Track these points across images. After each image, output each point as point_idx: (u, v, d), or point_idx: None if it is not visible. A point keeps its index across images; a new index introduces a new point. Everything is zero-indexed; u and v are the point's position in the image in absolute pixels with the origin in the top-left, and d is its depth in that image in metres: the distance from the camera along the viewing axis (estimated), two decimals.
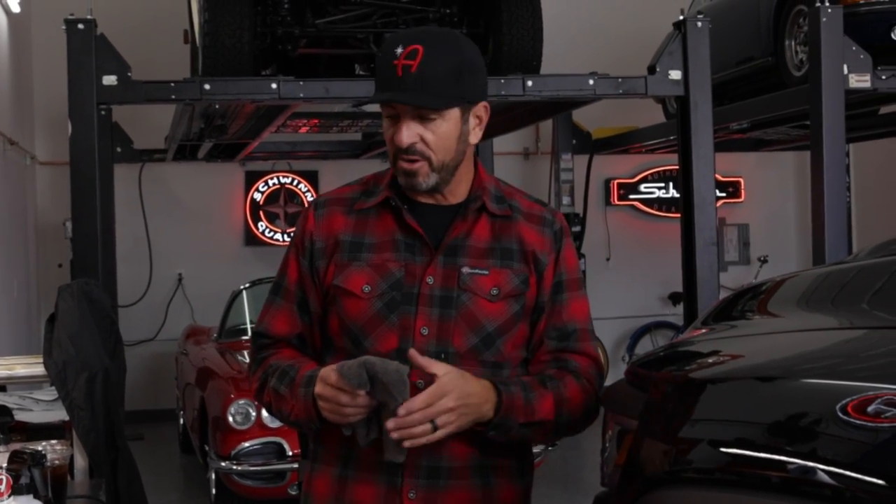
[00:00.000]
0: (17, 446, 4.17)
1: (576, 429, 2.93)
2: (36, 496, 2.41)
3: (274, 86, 7.56)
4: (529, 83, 7.73)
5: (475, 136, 2.90)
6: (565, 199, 12.97)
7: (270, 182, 14.27)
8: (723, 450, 2.19)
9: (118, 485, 3.82)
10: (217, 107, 8.68)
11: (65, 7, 7.76)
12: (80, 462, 3.73)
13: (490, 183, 2.97)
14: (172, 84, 7.56)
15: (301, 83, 7.58)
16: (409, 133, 2.77)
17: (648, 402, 2.49)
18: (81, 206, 7.53)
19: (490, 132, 11.29)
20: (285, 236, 13.89)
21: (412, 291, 2.84)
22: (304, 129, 11.11)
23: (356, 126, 10.35)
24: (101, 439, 3.74)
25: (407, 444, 2.64)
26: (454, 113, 2.81)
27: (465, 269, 2.85)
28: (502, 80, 7.76)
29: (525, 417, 2.79)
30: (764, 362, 2.44)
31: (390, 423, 2.61)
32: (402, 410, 2.60)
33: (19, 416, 4.48)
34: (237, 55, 8.00)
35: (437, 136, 2.79)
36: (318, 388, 2.72)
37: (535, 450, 8.35)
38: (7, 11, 11.00)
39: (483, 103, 2.89)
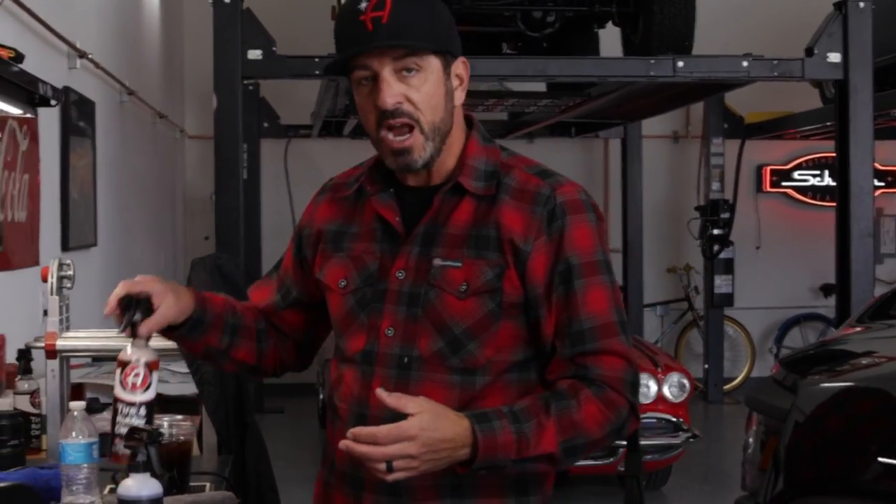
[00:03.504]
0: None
1: (601, 447, 2.51)
2: (153, 475, 2.33)
3: None
4: (680, 64, 7.52)
5: (459, 97, 2.54)
6: (715, 185, 12.68)
7: None
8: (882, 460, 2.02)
9: (246, 461, 3.76)
10: None
11: None
12: (210, 438, 3.66)
13: (478, 157, 2.56)
14: (317, 59, 7.50)
15: None
16: (392, 92, 2.42)
17: (803, 407, 2.29)
18: (225, 180, 7.55)
19: (638, 114, 11.09)
20: None
21: (382, 287, 2.54)
22: None
23: (501, 105, 10.23)
24: (231, 415, 3.68)
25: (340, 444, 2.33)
26: (436, 65, 2.47)
27: (437, 262, 2.50)
28: (652, 61, 7.57)
29: (519, 454, 2.35)
30: None
31: (341, 443, 2.30)
32: (349, 435, 2.28)
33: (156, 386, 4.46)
34: None
35: (423, 92, 2.44)
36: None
37: (675, 440, 8.20)
38: None
39: (462, 59, 2.54)
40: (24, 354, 3.77)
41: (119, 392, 2.50)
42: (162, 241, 11.12)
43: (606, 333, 2.48)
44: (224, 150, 7.55)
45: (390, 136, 2.46)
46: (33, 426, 3.63)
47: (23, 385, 3.69)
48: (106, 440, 2.64)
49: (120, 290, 2.50)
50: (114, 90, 8.15)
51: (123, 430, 2.45)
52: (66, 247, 6.27)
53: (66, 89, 6.23)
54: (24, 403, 3.66)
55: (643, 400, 8.01)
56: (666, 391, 8.19)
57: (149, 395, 2.52)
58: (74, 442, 2.71)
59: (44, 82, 3.18)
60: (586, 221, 2.52)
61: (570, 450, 2.41)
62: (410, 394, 2.39)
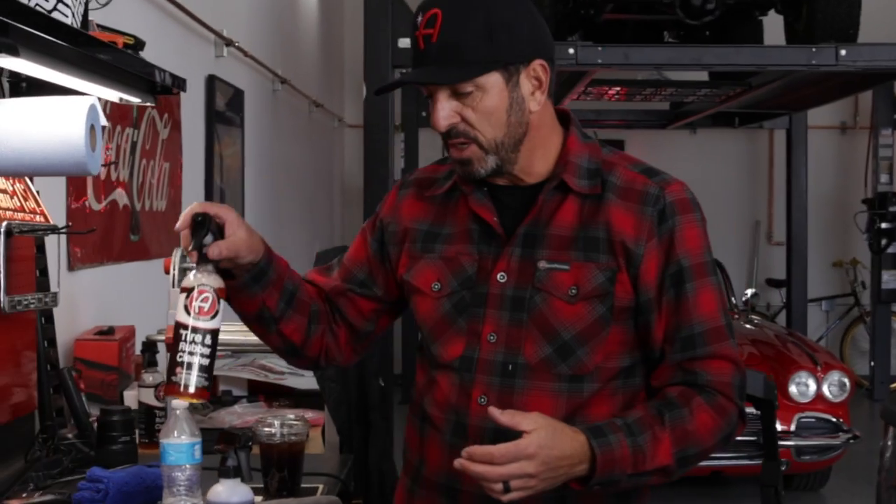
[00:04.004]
0: (284, 410, 4.10)
1: (707, 457, 2.38)
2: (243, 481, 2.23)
3: (571, 51, 7.32)
4: (843, 52, 7.22)
5: (536, 102, 2.35)
6: (883, 178, 12.23)
7: None
8: None
9: (369, 461, 3.67)
10: None
11: None
12: (332, 436, 3.58)
13: (580, 154, 2.41)
14: None
15: (600, 49, 7.31)
16: (445, 114, 2.30)
17: None
18: (374, 168, 7.51)
19: (803, 104, 10.75)
20: None
21: (482, 290, 2.39)
22: (610, 96, 10.81)
23: (660, 94, 10.01)
24: (353, 413, 3.58)
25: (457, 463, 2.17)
26: (495, 80, 2.29)
27: (543, 264, 2.36)
28: (813, 49, 7.29)
29: (634, 469, 2.25)
30: None
31: (456, 462, 2.15)
32: (464, 454, 2.14)
33: (290, 380, 4.40)
34: None
35: (480, 111, 2.29)
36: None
37: (834, 441, 7.92)
38: None
39: (538, 61, 2.33)
40: (149, 347, 3.72)
41: (183, 317, 2.27)
42: (316, 231, 11.14)
43: (717, 338, 2.37)
44: (373, 139, 7.50)
45: (452, 148, 2.36)
46: (157, 420, 3.59)
47: (147, 378, 3.65)
48: (209, 435, 2.56)
49: (196, 208, 2.33)
50: (266, 79, 8.16)
51: (186, 360, 2.25)
52: None
53: (212, 78, 6.23)
54: (148, 397, 3.62)
55: (802, 399, 7.80)
56: (825, 390, 7.92)
57: (216, 323, 2.28)
58: (176, 442, 2.63)
59: (161, 70, 3.10)
60: (695, 221, 2.40)
61: (683, 460, 2.30)
62: (515, 402, 2.30)
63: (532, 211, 2.39)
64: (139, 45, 3.14)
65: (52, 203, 3.77)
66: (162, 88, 3.26)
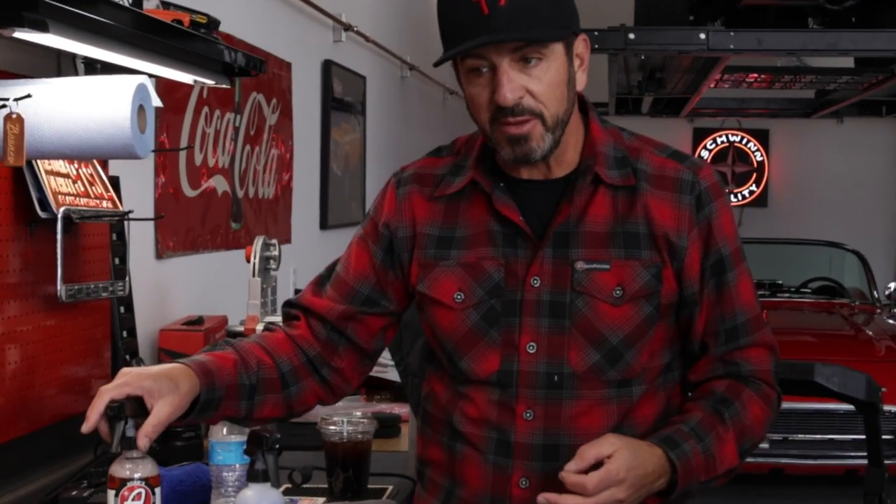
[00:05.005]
0: (381, 406, 3.97)
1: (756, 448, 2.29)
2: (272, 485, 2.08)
3: (703, 36, 7.07)
4: None
5: (581, 81, 2.17)
6: None
7: (719, 140, 13.90)
8: None
9: None
10: (643, 57, 8.30)
11: None
12: (414, 433, 3.42)
13: (606, 142, 2.21)
14: (596, 33, 7.18)
15: (732, 34, 7.06)
16: (513, 87, 2.06)
17: None
18: None
19: None
20: (738, 196, 13.44)
21: (515, 298, 2.18)
22: (753, 83, 10.50)
23: (800, 82, 9.68)
24: None
25: None
26: (559, 50, 2.09)
27: (580, 265, 2.16)
28: None
29: (707, 475, 2.15)
30: None
31: (541, 497, 2.00)
32: (546, 499, 2.00)
33: (392, 374, 4.28)
34: (671, 3, 7.65)
35: (546, 83, 2.08)
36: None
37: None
38: None
39: (582, 36, 2.17)
40: (234, 337, 3.61)
41: None
42: None
43: (758, 326, 2.27)
44: None
45: (508, 126, 2.11)
46: None
47: None
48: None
49: (100, 400, 2.04)
50: (392, 65, 8.05)
51: None
52: (324, 225, 6.16)
53: (328, 63, 6.12)
54: None
55: None
56: None
57: None
58: (224, 440, 2.50)
59: (233, 50, 2.98)
60: (727, 205, 2.26)
61: (742, 454, 2.22)
62: (564, 414, 2.17)
63: (563, 207, 2.19)
64: (213, 23, 3.01)
65: (140, 189, 3.69)
66: (240, 70, 3.15)
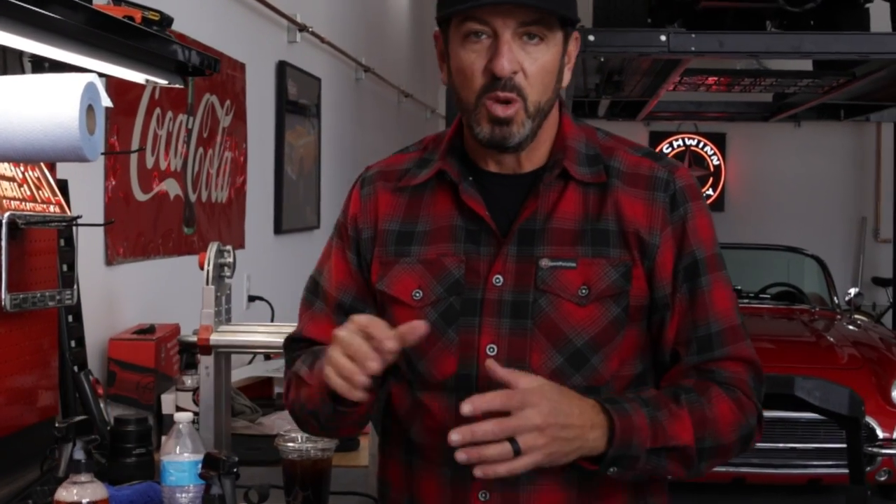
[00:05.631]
0: None
1: (727, 457, 2.10)
2: None
3: (663, 38, 6.97)
4: None
5: (566, 77, 2.12)
6: None
7: (675, 143, 13.87)
8: None
9: None
10: (602, 59, 8.22)
11: None
12: (371, 448, 3.30)
13: (578, 138, 2.15)
14: None
15: (693, 36, 6.96)
16: (512, 58, 2.00)
17: None
18: None
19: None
20: None
21: (475, 296, 2.09)
22: (712, 86, 10.45)
23: (759, 85, 9.64)
24: None
25: (477, 472, 1.85)
26: (558, 38, 2.05)
27: (545, 262, 2.07)
28: None
29: (654, 442, 1.97)
30: None
31: (452, 433, 1.84)
32: (465, 407, 1.83)
33: None
34: (629, 5, 7.58)
35: (540, 65, 2.02)
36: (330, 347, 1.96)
37: None
38: None
39: (575, 34, 2.13)
40: (187, 348, 3.49)
41: None
42: None
43: (734, 338, 2.13)
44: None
45: (494, 104, 2.03)
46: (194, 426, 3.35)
47: (186, 381, 3.41)
48: None
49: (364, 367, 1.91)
50: (347, 66, 7.92)
51: None
52: (279, 229, 6.04)
53: (283, 64, 6.00)
54: (185, 401, 3.38)
55: None
56: None
57: None
58: (177, 459, 2.38)
59: (187, 48, 2.85)
60: (705, 209, 2.17)
61: (702, 452, 2.04)
62: None
63: (530, 203, 2.11)
64: (166, 21, 2.89)
65: (89, 192, 3.56)
66: (194, 70, 3.02)
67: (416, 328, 1.91)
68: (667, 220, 2.11)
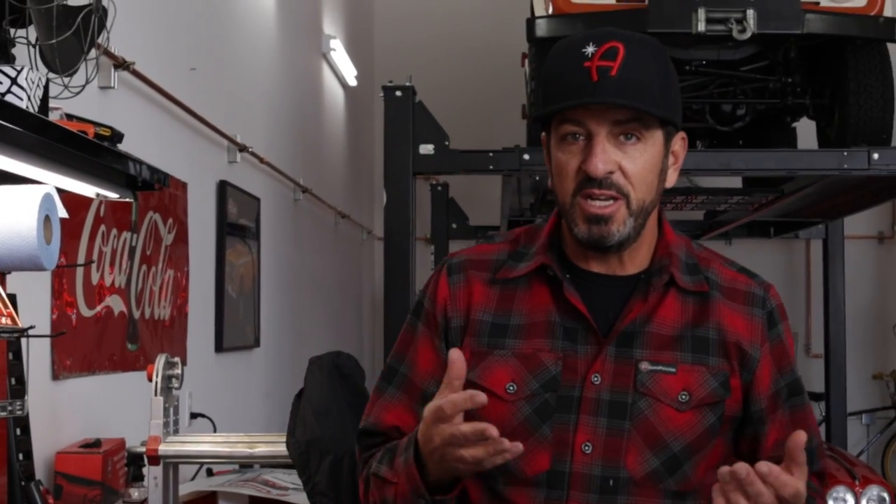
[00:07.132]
0: None
1: None
2: None
3: None
4: (875, 156, 6.92)
5: (672, 177, 2.15)
6: None
7: None
8: None
9: None
10: (537, 178, 8.34)
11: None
12: None
13: (679, 246, 2.19)
14: (491, 154, 7.18)
15: None
16: (606, 158, 2.02)
17: None
18: (394, 278, 7.23)
19: (838, 211, 10.53)
20: None
21: (572, 394, 2.08)
22: None
23: (691, 202, 9.79)
24: None
25: None
26: (658, 136, 2.07)
27: (645, 366, 2.09)
28: (845, 153, 7.03)
29: None
30: None
31: None
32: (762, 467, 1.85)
33: (293, 496, 4.19)
34: None
35: (640, 165, 2.04)
36: (420, 428, 1.99)
37: None
38: (344, 85, 11.03)
39: (681, 134, 2.16)
40: (134, 460, 3.51)
41: None
42: (343, 342, 10.91)
43: (821, 454, 2.24)
44: (394, 247, 7.24)
45: (590, 201, 2.06)
46: None
47: (133, 493, 3.44)
48: None
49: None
50: (286, 187, 8.01)
51: None
52: (220, 347, 6.06)
53: (224, 183, 6.07)
54: None
55: None
56: None
57: None
58: None
59: (138, 162, 2.92)
60: (790, 329, 2.24)
61: None
62: None
63: (636, 305, 2.13)
64: (116, 136, 2.96)
65: (35, 307, 3.59)
66: (144, 184, 3.09)
67: (476, 398, 1.91)
68: (765, 337, 2.16)
